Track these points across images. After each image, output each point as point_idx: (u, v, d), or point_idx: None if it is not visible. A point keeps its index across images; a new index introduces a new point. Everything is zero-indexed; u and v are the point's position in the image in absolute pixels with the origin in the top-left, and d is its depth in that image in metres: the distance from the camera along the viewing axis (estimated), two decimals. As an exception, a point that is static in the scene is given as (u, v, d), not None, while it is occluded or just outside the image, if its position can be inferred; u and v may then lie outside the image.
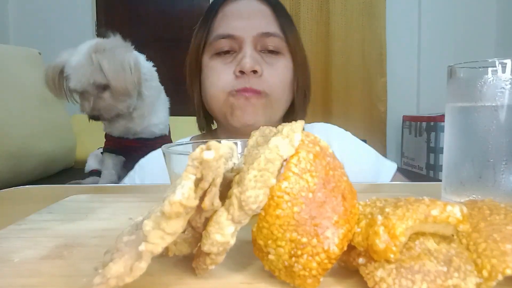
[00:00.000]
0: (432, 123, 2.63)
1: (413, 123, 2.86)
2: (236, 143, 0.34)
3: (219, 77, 0.72)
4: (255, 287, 0.25)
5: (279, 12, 0.76)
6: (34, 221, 0.39)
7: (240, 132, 0.73)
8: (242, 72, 0.69)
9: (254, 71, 0.69)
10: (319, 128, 0.84)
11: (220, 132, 0.83)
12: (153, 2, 3.02)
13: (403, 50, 2.98)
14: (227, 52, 0.73)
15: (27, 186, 0.60)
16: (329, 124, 0.87)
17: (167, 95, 1.33)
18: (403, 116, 3.00)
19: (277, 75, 0.73)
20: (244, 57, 0.70)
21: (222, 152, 0.23)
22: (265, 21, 0.74)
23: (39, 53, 1.72)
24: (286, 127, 0.26)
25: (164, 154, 0.44)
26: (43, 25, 2.85)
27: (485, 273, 0.23)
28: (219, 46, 0.73)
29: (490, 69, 0.36)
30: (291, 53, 0.76)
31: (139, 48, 1.21)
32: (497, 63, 0.36)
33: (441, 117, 2.60)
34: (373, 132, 2.90)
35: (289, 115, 0.79)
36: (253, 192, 0.23)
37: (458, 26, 2.94)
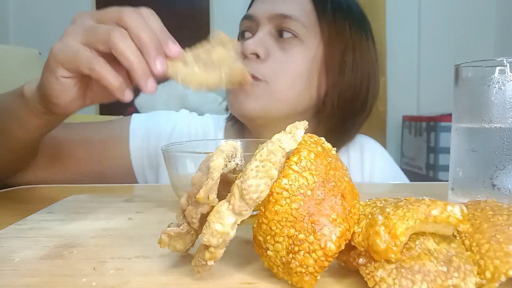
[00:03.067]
0: (432, 123, 2.63)
1: (413, 123, 2.86)
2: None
3: None
4: (255, 287, 0.25)
5: None
6: (34, 221, 0.39)
7: (245, 121, 0.69)
8: (244, 55, 0.63)
9: (257, 55, 0.63)
10: (355, 140, 0.81)
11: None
12: (153, 2, 3.03)
13: (403, 50, 2.98)
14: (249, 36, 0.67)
15: (27, 186, 0.60)
16: (366, 137, 0.84)
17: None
18: (403, 116, 3.00)
19: (286, 62, 0.64)
20: (249, 38, 0.64)
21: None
22: (290, 3, 0.65)
23: (39, 53, 1.72)
24: (290, 125, 0.26)
25: (163, 154, 0.44)
26: (43, 25, 2.85)
27: (488, 274, 0.23)
28: (241, 29, 0.69)
29: (498, 69, 0.36)
30: (324, 43, 0.66)
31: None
32: (505, 62, 0.36)
33: (441, 117, 2.60)
34: (373, 132, 2.87)
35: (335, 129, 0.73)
36: (254, 181, 0.23)
37: (458, 26, 2.94)
